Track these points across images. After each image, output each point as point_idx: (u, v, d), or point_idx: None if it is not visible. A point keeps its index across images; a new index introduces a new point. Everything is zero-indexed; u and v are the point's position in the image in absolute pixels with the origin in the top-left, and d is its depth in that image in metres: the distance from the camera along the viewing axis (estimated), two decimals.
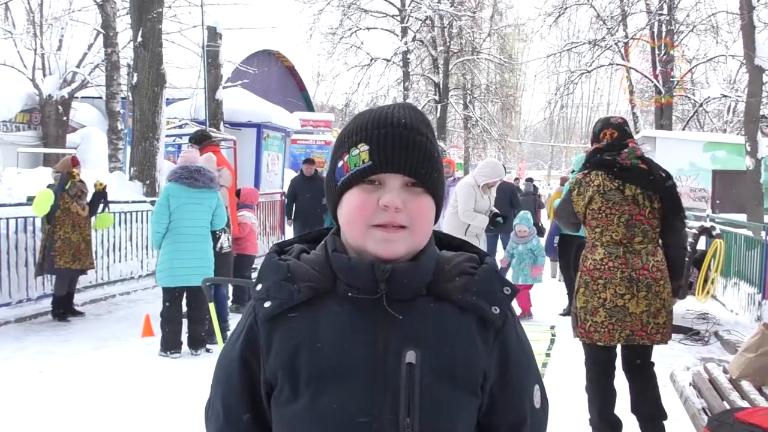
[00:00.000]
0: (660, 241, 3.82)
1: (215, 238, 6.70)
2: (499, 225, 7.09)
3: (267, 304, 1.15)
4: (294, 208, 11.21)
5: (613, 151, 3.79)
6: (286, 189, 12.93)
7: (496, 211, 7.10)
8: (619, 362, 3.95)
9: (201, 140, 7.82)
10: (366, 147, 1.12)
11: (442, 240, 1.26)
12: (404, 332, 1.12)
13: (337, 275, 1.16)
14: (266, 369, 1.16)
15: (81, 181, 8.00)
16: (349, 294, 1.14)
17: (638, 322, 3.69)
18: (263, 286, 1.17)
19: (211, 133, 9.13)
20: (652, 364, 3.94)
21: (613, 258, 3.71)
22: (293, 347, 1.13)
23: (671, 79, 22.27)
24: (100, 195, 8.24)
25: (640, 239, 3.71)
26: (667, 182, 3.73)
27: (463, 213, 6.89)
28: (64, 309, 7.90)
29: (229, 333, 6.77)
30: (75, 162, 7.97)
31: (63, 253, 7.61)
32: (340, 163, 1.16)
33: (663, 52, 21.93)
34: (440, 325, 1.14)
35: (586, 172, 3.85)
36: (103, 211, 8.39)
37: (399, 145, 1.12)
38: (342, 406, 1.10)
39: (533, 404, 1.24)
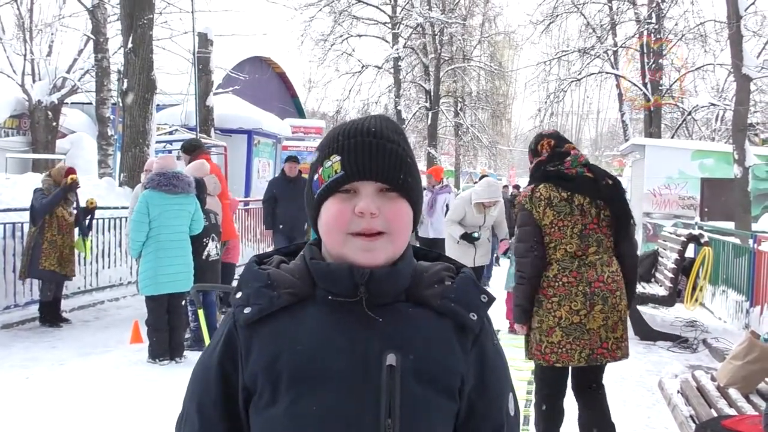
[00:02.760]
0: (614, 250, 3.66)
1: (202, 245, 6.68)
2: (474, 241, 7.34)
3: (247, 310, 1.15)
4: (275, 216, 9.55)
5: (555, 161, 3.62)
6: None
7: (476, 234, 7.32)
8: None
9: (192, 150, 7.80)
10: (338, 158, 1.16)
11: (418, 253, 1.28)
12: (384, 335, 1.14)
13: (317, 282, 1.18)
14: (245, 374, 1.16)
15: None
16: (329, 297, 1.16)
17: (597, 338, 3.51)
18: (243, 293, 1.18)
19: (201, 140, 9.10)
20: (602, 384, 3.80)
21: (567, 273, 3.53)
22: (274, 351, 1.14)
23: (660, 87, 22.40)
24: (88, 212, 8.05)
25: (594, 249, 3.55)
26: (612, 188, 3.59)
27: (446, 220, 7.39)
28: (50, 315, 7.83)
29: None
30: (69, 172, 7.79)
31: (49, 255, 7.51)
32: (316, 176, 1.19)
33: (652, 61, 22.04)
34: (419, 329, 1.17)
35: (533, 186, 3.65)
36: (89, 226, 8.22)
37: (369, 152, 1.15)
38: (323, 408, 1.11)
39: (508, 411, 1.27)
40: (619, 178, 4.04)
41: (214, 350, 1.20)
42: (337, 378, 1.12)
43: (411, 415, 1.13)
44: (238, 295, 1.18)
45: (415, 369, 1.14)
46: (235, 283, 8.17)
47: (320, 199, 1.18)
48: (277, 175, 11.63)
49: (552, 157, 3.62)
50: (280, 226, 9.47)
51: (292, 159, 10.00)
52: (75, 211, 7.93)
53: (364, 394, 1.12)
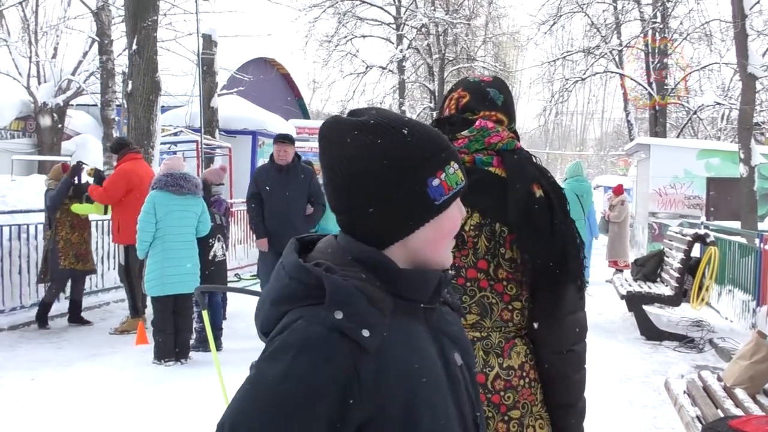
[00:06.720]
0: (524, 331, 1.84)
1: (208, 245, 6.69)
2: None
3: (365, 333, 1.00)
4: (263, 220, 6.81)
5: (446, 131, 1.79)
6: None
7: None
8: None
9: (119, 149, 7.74)
10: (457, 166, 1.14)
11: None
12: (449, 338, 1.17)
13: (399, 291, 1.07)
14: (364, 404, 1.00)
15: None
16: (422, 305, 1.12)
17: None
18: (346, 312, 1.00)
19: (128, 139, 8.88)
20: None
21: None
22: (404, 386, 1.03)
23: (665, 87, 22.35)
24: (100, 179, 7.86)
25: (474, 319, 1.79)
26: (542, 207, 1.75)
27: None
28: (72, 316, 7.88)
29: (222, 341, 6.75)
30: (65, 169, 7.90)
31: (66, 254, 7.59)
32: (436, 182, 1.10)
33: (657, 61, 21.98)
34: (459, 326, 1.24)
35: None
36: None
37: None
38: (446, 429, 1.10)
39: None
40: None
41: (321, 367, 0.98)
42: (449, 399, 1.12)
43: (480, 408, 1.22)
44: (340, 315, 1.00)
45: (470, 365, 1.21)
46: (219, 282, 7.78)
47: (444, 206, 1.11)
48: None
49: (448, 124, 1.88)
50: (269, 236, 6.79)
51: (283, 139, 6.92)
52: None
53: (464, 400, 1.16)
